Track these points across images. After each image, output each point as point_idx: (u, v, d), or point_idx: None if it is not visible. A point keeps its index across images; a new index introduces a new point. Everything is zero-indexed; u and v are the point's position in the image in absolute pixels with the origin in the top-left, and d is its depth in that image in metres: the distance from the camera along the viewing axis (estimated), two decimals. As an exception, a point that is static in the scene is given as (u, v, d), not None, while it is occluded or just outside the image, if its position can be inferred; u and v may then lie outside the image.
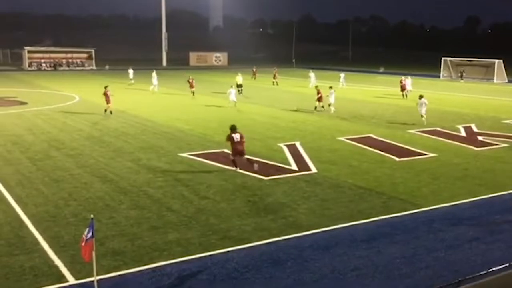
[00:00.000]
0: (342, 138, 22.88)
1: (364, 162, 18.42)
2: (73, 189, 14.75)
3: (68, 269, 9.50)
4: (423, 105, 27.29)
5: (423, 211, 13.17)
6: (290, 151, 19.90)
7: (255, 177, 16.13)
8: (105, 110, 29.22)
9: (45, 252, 10.31)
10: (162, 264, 9.82)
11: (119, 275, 9.38)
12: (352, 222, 12.20)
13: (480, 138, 23.58)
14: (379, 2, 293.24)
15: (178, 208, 13.16)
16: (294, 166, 17.72)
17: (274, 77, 53.88)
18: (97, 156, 18.92)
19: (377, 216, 12.67)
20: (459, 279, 7.29)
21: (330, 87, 31.80)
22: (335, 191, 14.78)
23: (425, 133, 24.46)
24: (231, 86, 34.47)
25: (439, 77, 66.32)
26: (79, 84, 51.94)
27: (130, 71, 51.80)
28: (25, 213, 12.61)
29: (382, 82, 58.76)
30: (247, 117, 29.00)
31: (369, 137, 23.38)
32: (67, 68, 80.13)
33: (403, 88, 41.03)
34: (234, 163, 17.00)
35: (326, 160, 18.72)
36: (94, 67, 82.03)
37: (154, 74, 44.35)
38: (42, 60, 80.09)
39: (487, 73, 62.72)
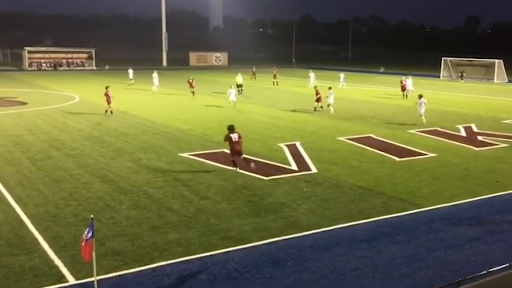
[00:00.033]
0: (342, 138, 22.88)
1: (364, 162, 18.42)
2: (73, 189, 14.76)
3: (68, 269, 9.51)
4: (422, 104, 27.30)
5: (423, 211, 13.17)
6: (290, 151, 19.90)
7: (255, 177, 16.13)
8: (106, 111, 29.23)
9: (45, 252, 10.31)
10: (162, 264, 9.82)
11: (119, 275, 9.38)
12: (352, 222, 12.20)
13: (480, 138, 23.58)
14: (379, 2, 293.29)
15: (178, 208, 13.17)
16: (294, 166, 17.72)
17: (275, 77, 53.88)
18: (97, 156, 18.93)
19: (377, 216, 12.67)
20: (459, 279, 7.29)
21: (329, 88, 31.80)
22: (335, 191, 14.78)
23: (425, 133, 24.46)
24: (231, 86, 34.46)
25: (439, 77, 66.30)
26: (79, 84, 51.94)
27: (130, 71, 51.81)
28: (25, 213, 12.61)
29: (382, 82, 58.75)
30: (247, 117, 29.01)
31: (369, 137, 23.39)
32: (67, 68, 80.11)
33: (403, 89, 40.98)
34: (234, 163, 17.00)
35: (326, 160, 18.72)
36: (94, 67, 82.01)
37: (155, 74, 44.39)
38: (42, 60, 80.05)
39: (487, 73, 62.71)
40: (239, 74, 43.50)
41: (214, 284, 9.09)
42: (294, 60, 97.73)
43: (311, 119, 28.60)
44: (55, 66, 79.32)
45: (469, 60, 65.53)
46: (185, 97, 39.07)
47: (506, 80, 60.48)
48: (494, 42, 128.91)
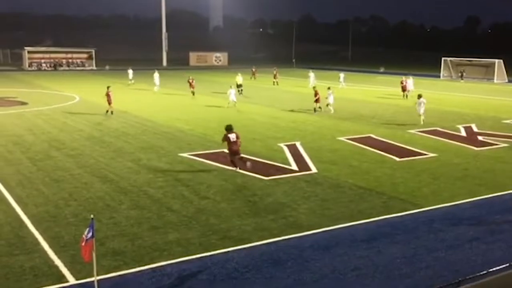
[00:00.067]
0: (342, 138, 22.88)
1: (365, 162, 18.42)
2: (73, 189, 14.76)
3: (68, 269, 9.51)
4: (422, 104, 27.30)
5: (423, 211, 13.17)
6: (290, 151, 19.91)
7: (255, 177, 16.14)
8: (107, 111, 29.23)
9: (45, 252, 10.31)
10: (162, 264, 9.82)
11: (119, 275, 9.38)
12: (353, 222, 12.20)
13: (480, 138, 23.58)
14: (379, 2, 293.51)
15: (178, 208, 13.17)
16: (294, 166, 17.72)
17: (275, 77, 53.91)
18: (98, 156, 18.93)
19: (378, 216, 12.68)
20: (459, 279, 7.29)
21: (328, 88, 31.80)
22: (335, 191, 14.78)
23: (425, 133, 24.46)
24: (231, 86, 34.46)
25: (439, 77, 66.31)
26: (79, 84, 51.95)
27: (130, 71, 51.78)
28: (25, 213, 12.61)
29: (382, 82, 58.76)
30: (247, 117, 29.01)
31: (369, 137, 23.39)
32: (67, 68, 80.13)
33: (404, 89, 40.91)
34: (233, 163, 17.00)
35: (327, 160, 18.72)
36: (94, 67, 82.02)
37: (156, 74, 44.39)
38: (42, 60, 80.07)
39: (487, 73, 62.73)
40: (239, 74, 43.51)
41: (214, 284, 9.09)
42: (294, 60, 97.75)
43: (311, 119, 28.60)
44: (55, 66, 79.34)
45: (469, 60, 65.54)
46: (185, 97, 39.07)
47: (506, 80, 60.48)
48: (494, 42, 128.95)
